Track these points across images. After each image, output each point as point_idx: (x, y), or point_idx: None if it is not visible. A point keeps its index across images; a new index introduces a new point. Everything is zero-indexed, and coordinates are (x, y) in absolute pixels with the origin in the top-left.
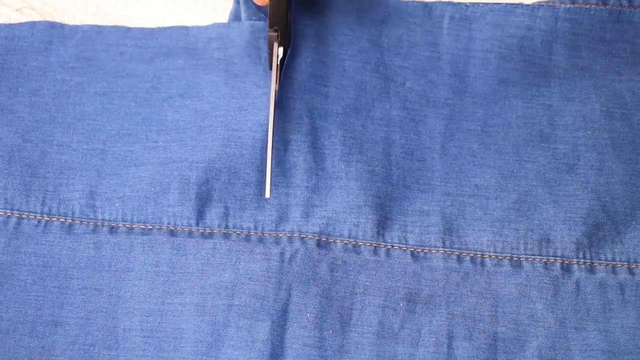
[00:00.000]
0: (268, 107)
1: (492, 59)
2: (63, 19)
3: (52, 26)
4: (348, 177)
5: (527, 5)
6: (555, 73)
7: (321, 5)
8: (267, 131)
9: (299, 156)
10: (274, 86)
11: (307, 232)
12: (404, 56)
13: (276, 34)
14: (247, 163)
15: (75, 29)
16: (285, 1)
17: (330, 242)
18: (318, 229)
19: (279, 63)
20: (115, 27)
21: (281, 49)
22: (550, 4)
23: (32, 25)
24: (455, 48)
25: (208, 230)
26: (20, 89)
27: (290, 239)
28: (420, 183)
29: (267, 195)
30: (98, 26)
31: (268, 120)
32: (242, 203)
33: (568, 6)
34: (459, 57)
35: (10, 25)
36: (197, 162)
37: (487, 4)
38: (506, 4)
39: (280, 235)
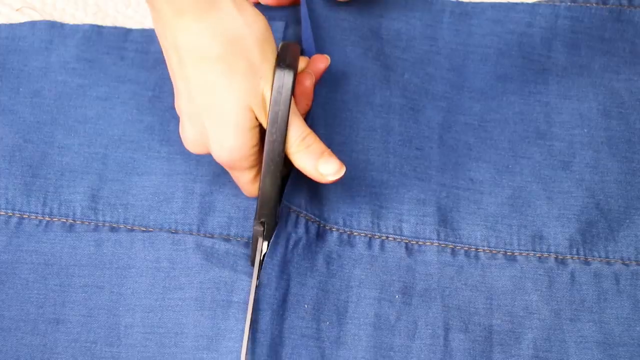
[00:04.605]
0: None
1: (490, 54)
2: (63, 18)
3: (53, 25)
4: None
5: (528, 3)
6: (554, 70)
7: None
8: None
9: None
10: (254, 283)
11: (311, 213)
12: (403, 49)
13: (262, 228)
14: None
15: (75, 28)
16: (277, 194)
17: (327, 229)
18: (318, 212)
19: (261, 258)
20: (115, 28)
21: (265, 244)
22: (551, 2)
23: (33, 25)
24: (454, 43)
25: (209, 235)
26: (21, 89)
27: (297, 219)
28: (417, 171)
29: None
30: (98, 26)
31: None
32: (245, 213)
33: (569, 4)
34: (458, 51)
35: (11, 25)
36: (202, 176)
37: (488, 2)
38: (507, 1)
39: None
